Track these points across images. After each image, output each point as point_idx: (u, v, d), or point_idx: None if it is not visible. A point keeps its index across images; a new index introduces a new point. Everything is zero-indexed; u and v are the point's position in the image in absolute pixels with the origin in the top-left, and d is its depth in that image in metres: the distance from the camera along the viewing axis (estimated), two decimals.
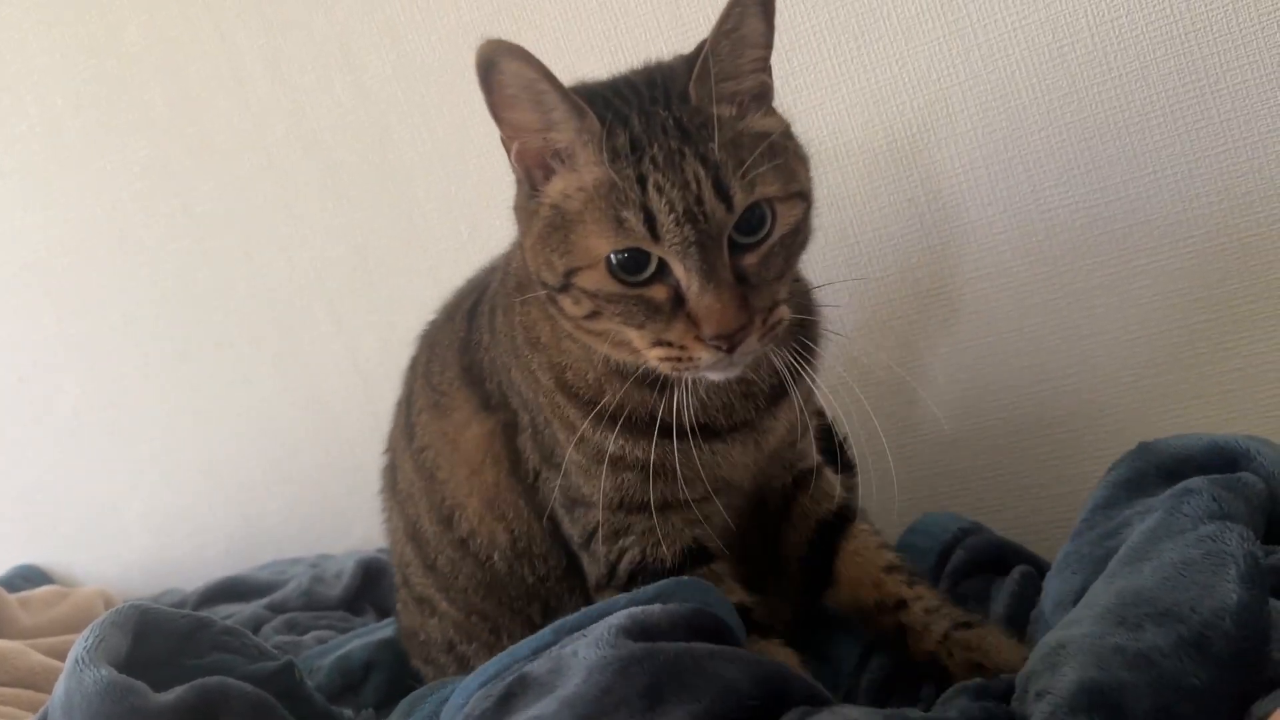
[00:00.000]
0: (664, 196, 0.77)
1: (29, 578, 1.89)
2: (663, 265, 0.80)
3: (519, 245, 0.92)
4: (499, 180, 0.90)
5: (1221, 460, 0.86)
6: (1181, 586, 0.69)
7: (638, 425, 0.89)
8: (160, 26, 1.66)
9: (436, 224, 1.59)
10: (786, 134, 0.86)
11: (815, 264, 0.96)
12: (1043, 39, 1.21)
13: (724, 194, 0.78)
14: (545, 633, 0.83)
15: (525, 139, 0.84)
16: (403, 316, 1.26)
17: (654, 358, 0.82)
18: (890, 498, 1.00)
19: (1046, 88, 1.22)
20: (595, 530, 0.94)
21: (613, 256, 0.80)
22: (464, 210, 1.56)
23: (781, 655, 0.88)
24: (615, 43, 1.40)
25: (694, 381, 0.87)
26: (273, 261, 1.71)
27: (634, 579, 0.93)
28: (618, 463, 0.91)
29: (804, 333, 0.92)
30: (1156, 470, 0.88)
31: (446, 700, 0.86)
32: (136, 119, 1.71)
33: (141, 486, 1.90)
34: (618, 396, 0.88)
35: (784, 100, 0.89)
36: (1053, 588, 0.87)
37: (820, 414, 1.04)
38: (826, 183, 1.32)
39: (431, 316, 1.16)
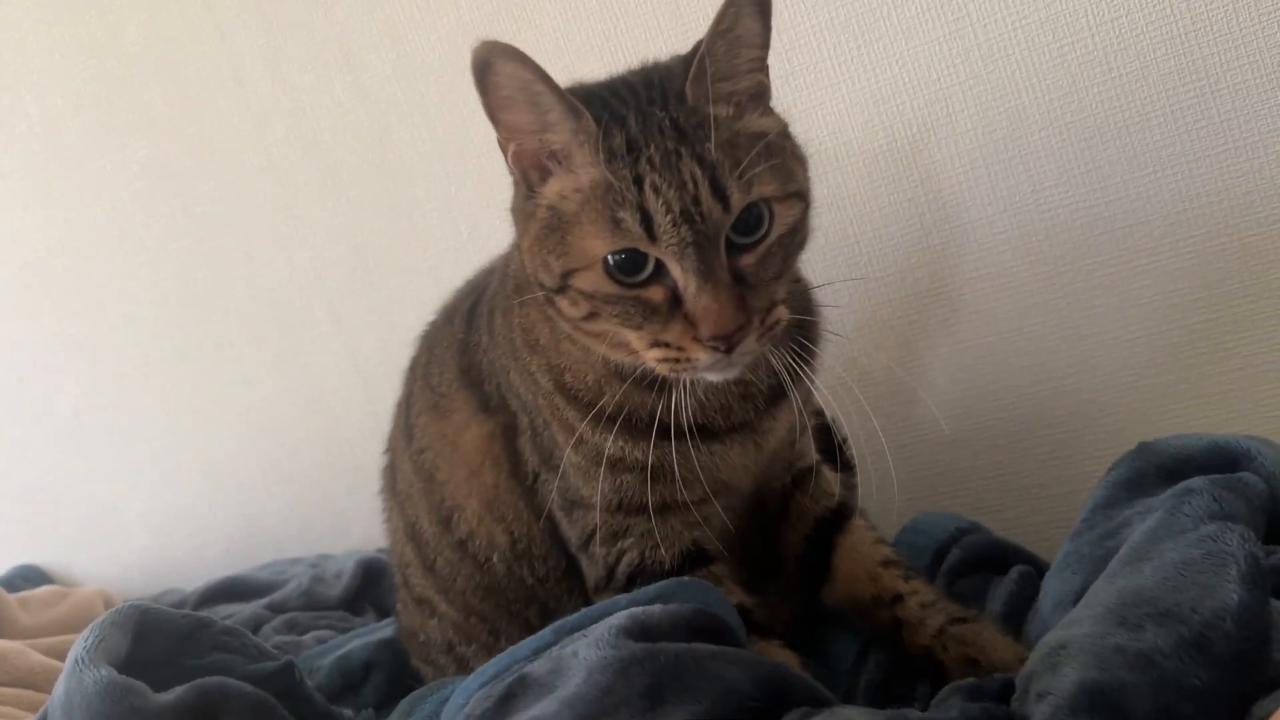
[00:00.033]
0: (661, 197, 0.77)
1: (29, 578, 1.89)
2: (660, 266, 0.80)
3: (516, 247, 0.92)
4: (499, 180, 0.90)
5: (1222, 460, 0.86)
6: (1182, 587, 0.69)
7: (636, 426, 0.89)
8: (160, 26, 1.66)
9: (436, 224, 1.59)
10: (784, 134, 0.85)
11: (815, 264, 0.96)
12: (1043, 39, 1.21)
13: (721, 194, 0.78)
14: (546, 633, 0.83)
15: (522, 140, 0.83)
16: (403, 316, 1.26)
17: (652, 359, 0.82)
18: (890, 498, 1.00)
19: (1046, 88, 1.22)
20: (593, 532, 0.94)
21: (610, 257, 0.80)
22: (464, 210, 1.56)
23: (781, 656, 0.88)
24: (615, 43, 1.40)
25: (692, 382, 0.87)
26: (273, 261, 1.70)
27: (632, 581, 0.93)
28: (616, 464, 0.91)
29: (803, 333, 0.91)
30: (1157, 470, 0.88)
31: (447, 700, 0.86)
32: (136, 119, 1.71)
33: (141, 486, 1.90)
34: (616, 398, 0.88)
35: (784, 100, 0.89)
36: (1052, 587, 0.86)
37: (819, 413, 1.04)
38: (826, 183, 1.32)
39: (431, 317, 1.16)
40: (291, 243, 1.69)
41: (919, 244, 1.32)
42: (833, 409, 1.03)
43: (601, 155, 0.79)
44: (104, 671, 0.80)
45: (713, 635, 0.80)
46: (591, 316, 0.83)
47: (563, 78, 0.83)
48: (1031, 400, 1.31)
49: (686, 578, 0.88)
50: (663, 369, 0.83)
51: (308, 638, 1.38)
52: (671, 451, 0.88)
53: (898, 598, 0.94)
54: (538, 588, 1.01)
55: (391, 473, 1.15)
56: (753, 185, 0.79)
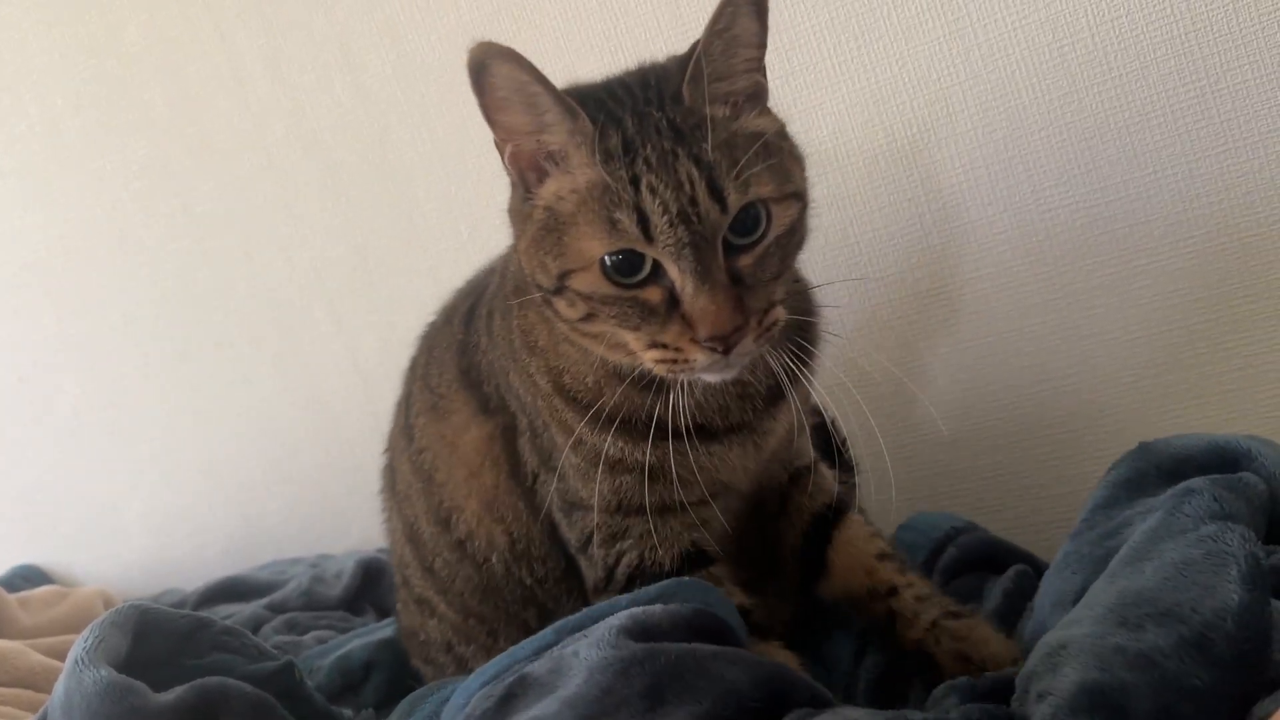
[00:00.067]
0: (657, 198, 0.77)
1: (29, 578, 1.89)
2: (657, 267, 0.80)
3: (514, 248, 0.92)
4: (499, 180, 0.90)
5: (1222, 460, 0.86)
6: (1183, 587, 0.69)
7: (635, 427, 0.89)
8: (160, 26, 1.66)
9: (436, 224, 1.59)
10: (781, 134, 0.85)
11: (815, 264, 0.96)
12: (1043, 39, 1.21)
13: (718, 195, 0.78)
14: (546, 633, 0.83)
15: (518, 141, 0.83)
16: (403, 316, 1.26)
17: (650, 360, 0.82)
18: (889, 498, 1.00)
19: (1046, 88, 1.22)
20: (592, 534, 0.94)
21: (607, 258, 0.80)
22: (464, 210, 1.56)
23: (782, 657, 0.88)
24: (615, 43, 1.40)
25: (690, 383, 0.87)
26: (273, 261, 1.71)
27: (632, 583, 0.93)
28: (615, 465, 0.90)
29: (802, 334, 0.91)
30: (1157, 470, 0.88)
31: (447, 700, 0.86)
32: (136, 119, 1.71)
33: (141, 486, 1.90)
34: (614, 399, 0.88)
35: (784, 100, 0.89)
36: (1051, 587, 0.86)
37: (816, 412, 1.04)
38: (826, 183, 1.32)
39: (431, 318, 1.16)
40: (291, 243, 1.69)
41: (919, 244, 1.32)
42: (832, 410, 1.03)
43: (598, 156, 0.79)
44: (104, 671, 0.80)
45: (713, 635, 0.80)
46: (589, 318, 0.83)
47: (562, 78, 0.83)
48: (1031, 400, 1.31)
49: (687, 578, 0.88)
50: (660, 370, 0.83)
51: (308, 638, 1.38)
52: (670, 452, 0.88)
53: (893, 590, 0.95)
54: (536, 589, 1.01)
55: (391, 473, 1.15)
56: (750, 185, 0.79)
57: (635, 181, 0.78)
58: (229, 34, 1.62)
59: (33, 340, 1.88)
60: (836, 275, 1.33)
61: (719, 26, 0.80)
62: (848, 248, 1.35)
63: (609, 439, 0.89)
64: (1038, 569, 1.00)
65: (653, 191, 0.77)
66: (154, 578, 1.90)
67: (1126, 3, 1.17)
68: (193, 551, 1.89)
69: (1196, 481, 0.81)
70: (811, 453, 1.02)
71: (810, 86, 1.31)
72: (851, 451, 1.14)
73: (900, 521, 1.17)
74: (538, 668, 0.78)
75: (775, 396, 0.93)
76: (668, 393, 0.87)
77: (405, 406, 1.12)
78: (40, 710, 0.86)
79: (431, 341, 1.12)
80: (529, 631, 0.89)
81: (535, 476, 0.98)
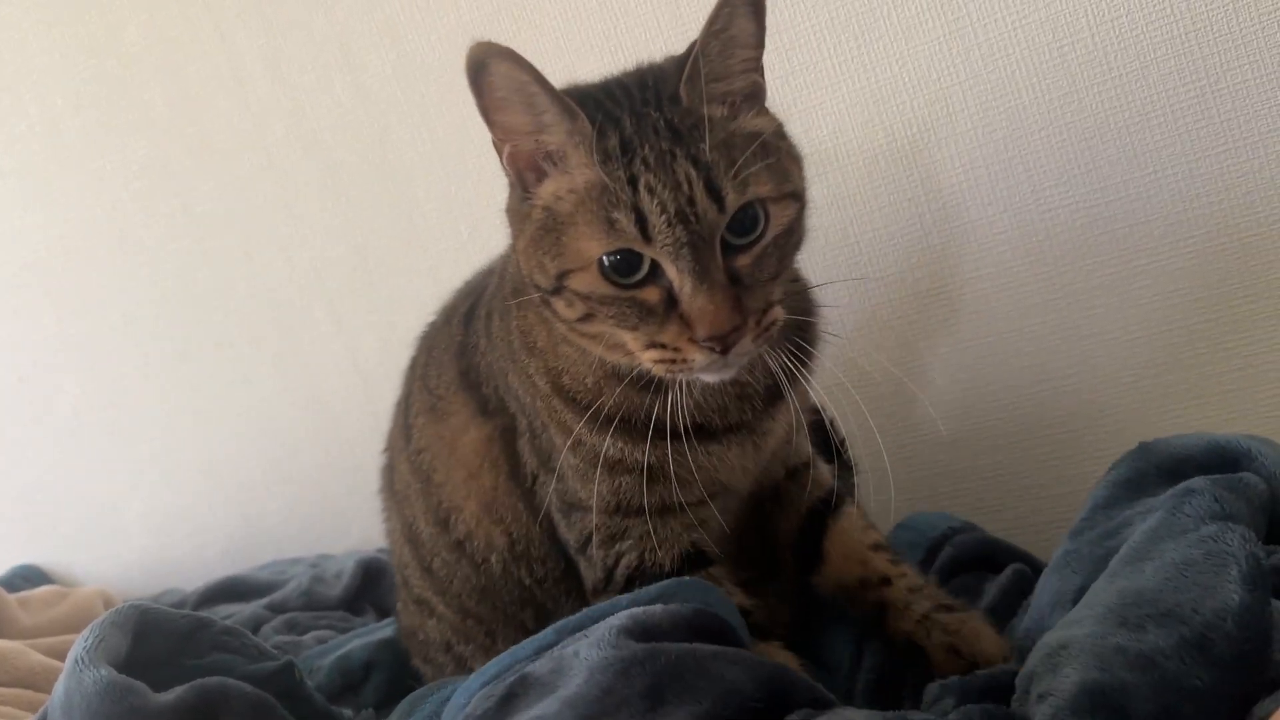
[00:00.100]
0: (655, 198, 0.77)
1: (29, 578, 1.89)
2: (655, 267, 0.80)
3: (513, 248, 0.92)
4: (498, 180, 0.90)
5: (1222, 460, 0.86)
6: (1183, 587, 0.69)
7: (634, 428, 0.89)
8: (160, 26, 1.66)
9: (436, 224, 1.59)
10: (779, 133, 0.85)
11: (815, 264, 0.96)
12: (1043, 39, 1.21)
13: (716, 194, 0.78)
14: (547, 633, 0.83)
15: (517, 141, 0.83)
16: (403, 316, 1.26)
17: (648, 360, 0.82)
18: (888, 498, 1.00)
19: (1046, 88, 1.22)
20: (591, 535, 0.94)
21: (605, 258, 0.80)
22: (464, 210, 1.56)
23: (782, 658, 0.88)
24: (615, 43, 1.40)
25: (689, 384, 0.87)
26: (273, 261, 1.70)
27: (631, 584, 0.93)
28: (614, 466, 0.90)
29: (801, 334, 0.91)
30: (1157, 470, 0.88)
31: (447, 700, 0.86)
32: (136, 119, 1.71)
33: (141, 486, 1.90)
34: (613, 399, 0.88)
35: (784, 100, 0.89)
36: (1050, 586, 0.86)
37: (814, 409, 1.04)
38: (826, 183, 1.32)
39: (431, 318, 1.16)
40: (291, 243, 1.69)
41: (919, 244, 1.32)
42: (830, 410, 1.03)
43: (596, 156, 0.79)
44: (104, 671, 0.80)
45: (714, 635, 0.79)
46: (587, 318, 0.83)
47: (562, 78, 0.83)
48: (1031, 400, 1.31)
49: (687, 578, 0.88)
50: (659, 370, 0.83)
51: (308, 638, 1.38)
52: (669, 453, 0.88)
53: (885, 580, 0.95)
54: (535, 589, 1.01)
55: (390, 473, 1.15)
56: (748, 185, 0.79)
57: (633, 181, 0.78)
58: (229, 34, 1.62)
59: (33, 340, 1.88)
60: (836, 275, 1.33)
61: (716, 27, 0.80)
62: (848, 248, 1.35)
63: (608, 440, 0.89)
64: (1035, 569, 1.00)
65: (651, 191, 0.77)
66: (154, 578, 1.90)
67: (1126, 3, 1.17)
68: (193, 551, 1.89)
69: (1197, 481, 0.81)
70: (809, 450, 1.02)
71: (810, 86, 1.31)
72: (851, 451, 1.14)
73: (899, 521, 1.17)
74: (538, 667, 0.78)
75: (774, 396, 0.93)
76: (666, 393, 0.87)
77: (404, 407, 1.12)
78: (40, 710, 0.86)
79: (431, 342, 1.12)
80: (527, 632, 0.89)
81: (534, 478, 0.98)
